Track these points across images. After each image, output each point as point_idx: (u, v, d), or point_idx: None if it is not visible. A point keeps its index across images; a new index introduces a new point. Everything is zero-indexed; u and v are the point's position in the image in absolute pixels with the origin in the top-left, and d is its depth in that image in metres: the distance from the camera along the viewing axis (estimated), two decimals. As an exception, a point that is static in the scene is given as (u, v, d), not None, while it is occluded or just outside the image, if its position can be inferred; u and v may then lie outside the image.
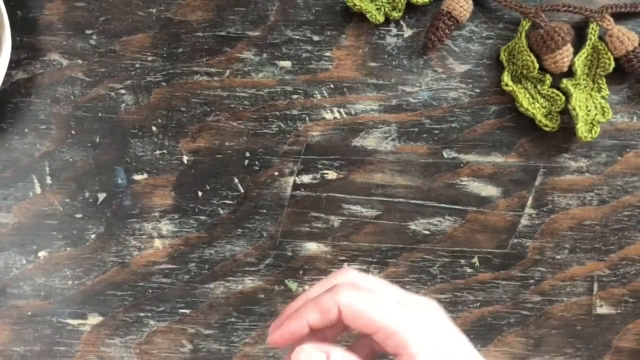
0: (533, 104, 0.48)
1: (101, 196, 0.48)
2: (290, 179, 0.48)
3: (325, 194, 0.49)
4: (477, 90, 0.49)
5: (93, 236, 0.48)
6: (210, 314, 0.49)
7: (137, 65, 0.48)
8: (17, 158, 0.48)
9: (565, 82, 0.47)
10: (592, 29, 0.48)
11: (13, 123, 0.48)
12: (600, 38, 0.48)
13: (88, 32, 0.48)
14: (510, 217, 0.49)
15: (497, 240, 0.49)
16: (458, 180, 0.49)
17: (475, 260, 0.49)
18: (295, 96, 0.48)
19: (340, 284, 0.34)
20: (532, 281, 0.49)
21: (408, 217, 0.49)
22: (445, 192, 0.48)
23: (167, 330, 0.49)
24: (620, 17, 0.48)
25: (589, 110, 0.47)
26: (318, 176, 0.49)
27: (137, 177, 0.48)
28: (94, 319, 0.48)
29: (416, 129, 0.49)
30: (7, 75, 0.47)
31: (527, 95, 0.48)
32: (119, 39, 0.48)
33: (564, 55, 0.47)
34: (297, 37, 0.49)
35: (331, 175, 0.49)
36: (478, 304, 0.49)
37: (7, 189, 0.48)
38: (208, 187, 0.48)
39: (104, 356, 0.48)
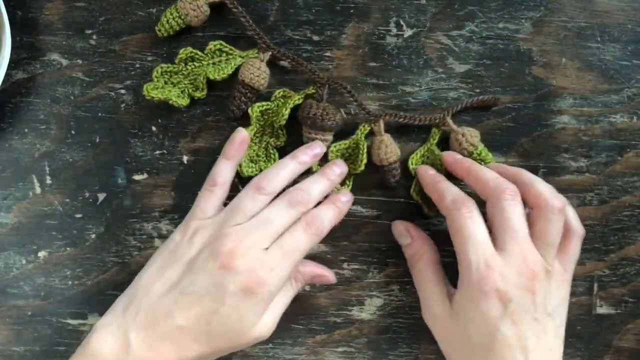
0: (422, 193, 0.47)
1: (101, 196, 0.48)
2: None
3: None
4: (477, 90, 0.49)
5: (93, 236, 0.48)
6: (210, 314, 0.49)
7: (137, 65, 0.48)
8: (17, 158, 0.48)
9: (314, 165, 0.46)
10: (364, 127, 0.47)
11: (13, 123, 0.48)
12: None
13: (88, 32, 0.48)
14: (510, 217, 0.49)
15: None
16: (458, 180, 0.49)
17: (475, 260, 0.49)
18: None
19: (465, 203, 0.43)
20: (532, 281, 0.49)
21: (408, 217, 0.49)
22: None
23: (167, 330, 0.48)
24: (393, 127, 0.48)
25: None
26: (318, 176, 0.49)
27: (137, 177, 0.48)
28: (94, 319, 0.48)
29: (415, 129, 0.49)
30: (7, 75, 0.47)
31: None
32: (119, 39, 0.48)
33: (317, 137, 0.46)
34: (297, 37, 0.48)
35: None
36: (478, 304, 0.49)
37: (7, 189, 0.48)
38: (208, 187, 0.48)
39: (104, 356, 0.48)
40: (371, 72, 0.49)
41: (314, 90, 0.47)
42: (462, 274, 0.42)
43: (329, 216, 0.43)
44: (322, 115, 0.46)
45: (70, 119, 0.48)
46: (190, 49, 0.47)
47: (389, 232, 0.49)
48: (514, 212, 0.41)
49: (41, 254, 0.48)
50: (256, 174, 0.46)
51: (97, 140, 0.48)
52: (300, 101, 0.47)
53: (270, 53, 0.47)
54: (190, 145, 0.48)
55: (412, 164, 0.48)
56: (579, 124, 0.49)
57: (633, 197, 0.49)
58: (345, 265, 0.49)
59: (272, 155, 0.47)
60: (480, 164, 0.47)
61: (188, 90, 0.47)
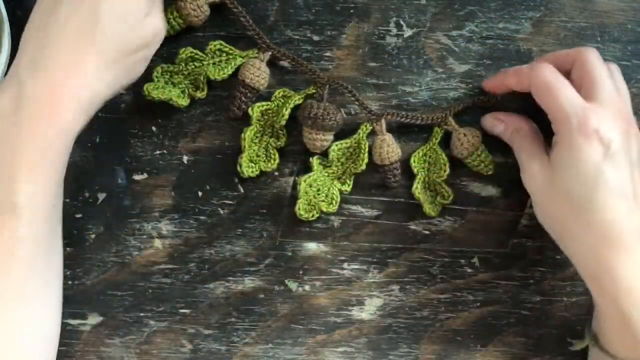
0: (424, 192, 0.48)
1: (101, 196, 0.48)
2: (290, 179, 0.48)
3: (325, 194, 0.49)
4: (477, 90, 0.49)
5: (93, 236, 0.48)
6: (210, 314, 0.49)
7: (137, 65, 0.48)
8: (17, 158, 0.48)
9: (314, 160, 0.47)
10: (365, 127, 0.47)
11: (13, 123, 0.48)
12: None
13: (88, 32, 0.48)
14: (510, 217, 0.49)
15: (497, 240, 0.49)
16: (458, 180, 0.49)
17: (475, 260, 0.49)
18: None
19: (543, 64, 0.43)
20: (532, 281, 0.49)
21: (408, 217, 0.49)
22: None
23: (167, 330, 0.49)
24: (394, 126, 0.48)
25: (319, 193, 0.47)
26: (318, 176, 0.49)
27: (137, 177, 0.48)
28: (94, 319, 0.48)
29: (416, 129, 0.49)
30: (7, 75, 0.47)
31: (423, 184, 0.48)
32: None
33: (318, 137, 0.46)
34: (297, 37, 0.48)
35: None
36: (478, 304, 0.49)
37: (7, 189, 0.48)
38: (208, 187, 0.48)
39: (104, 356, 0.48)
40: (371, 72, 0.49)
41: (314, 90, 0.47)
42: (560, 126, 0.41)
43: None
44: (323, 115, 0.45)
45: (70, 119, 0.48)
46: (190, 49, 0.47)
47: (389, 232, 0.49)
48: (600, 66, 0.42)
49: (41, 254, 0.48)
50: (257, 175, 0.46)
51: (97, 140, 0.48)
52: (301, 101, 0.47)
53: (270, 53, 0.47)
54: (190, 145, 0.48)
55: (414, 163, 0.48)
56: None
57: None
58: (345, 265, 0.49)
59: (272, 156, 0.47)
60: (480, 166, 0.47)
61: (188, 90, 0.47)
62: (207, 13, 0.47)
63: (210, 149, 0.48)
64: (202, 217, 0.48)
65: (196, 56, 0.47)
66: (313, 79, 0.47)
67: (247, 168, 0.46)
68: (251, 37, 0.47)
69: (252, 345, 0.49)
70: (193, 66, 0.47)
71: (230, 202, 0.49)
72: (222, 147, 0.48)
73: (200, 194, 0.48)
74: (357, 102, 0.47)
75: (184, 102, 0.46)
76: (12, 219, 0.37)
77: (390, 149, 0.47)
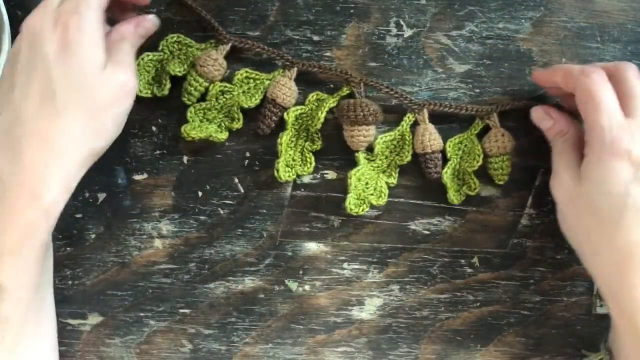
0: (452, 179, 0.48)
1: (101, 196, 0.48)
2: (291, 179, 0.48)
3: (325, 194, 0.49)
4: (477, 90, 0.49)
5: (93, 236, 0.48)
6: (210, 314, 0.49)
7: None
8: (17, 158, 0.48)
9: (360, 154, 0.47)
10: (408, 118, 0.47)
11: (13, 123, 0.48)
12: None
13: (88, 32, 0.48)
14: (510, 217, 0.49)
15: (497, 240, 0.49)
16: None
17: (475, 260, 0.49)
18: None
19: (594, 70, 0.42)
20: (532, 281, 0.49)
21: (408, 217, 0.49)
22: (446, 192, 0.48)
23: (167, 330, 0.49)
24: (442, 116, 0.48)
25: (367, 187, 0.47)
26: (318, 176, 0.49)
27: (137, 177, 0.48)
28: (94, 319, 0.48)
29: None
30: (7, 75, 0.47)
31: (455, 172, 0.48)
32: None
33: (361, 133, 0.46)
34: (297, 37, 0.48)
35: (331, 175, 0.49)
36: (478, 304, 0.49)
37: (7, 189, 0.48)
38: (208, 187, 0.48)
39: (104, 356, 0.48)
40: (371, 72, 0.49)
41: (348, 91, 0.47)
42: (593, 139, 0.41)
43: None
44: (363, 110, 0.46)
45: (70, 119, 0.48)
46: (219, 83, 0.47)
47: (389, 232, 0.49)
48: (636, 83, 0.42)
49: (41, 254, 0.48)
50: (293, 179, 0.47)
51: (97, 140, 0.48)
52: (335, 104, 0.47)
53: (295, 69, 0.47)
54: (190, 145, 0.48)
55: (449, 148, 0.48)
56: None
57: None
58: (345, 265, 0.49)
59: (308, 159, 0.47)
60: (498, 171, 0.47)
61: (224, 124, 0.47)
62: (225, 66, 0.47)
63: (210, 149, 0.48)
64: (202, 217, 0.48)
65: (226, 89, 0.47)
66: (346, 79, 0.47)
67: (284, 172, 0.46)
68: (272, 58, 0.48)
69: (252, 345, 0.49)
70: (224, 99, 0.47)
71: (230, 202, 0.49)
72: (222, 147, 0.48)
73: (200, 194, 0.48)
74: (396, 95, 0.47)
75: (223, 136, 0.47)
76: None
77: (432, 136, 0.47)
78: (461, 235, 0.49)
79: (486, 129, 0.48)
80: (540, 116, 0.46)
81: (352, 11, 0.49)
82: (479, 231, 0.49)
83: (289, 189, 0.49)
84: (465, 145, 0.48)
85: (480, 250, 0.49)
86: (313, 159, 0.47)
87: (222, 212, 0.49)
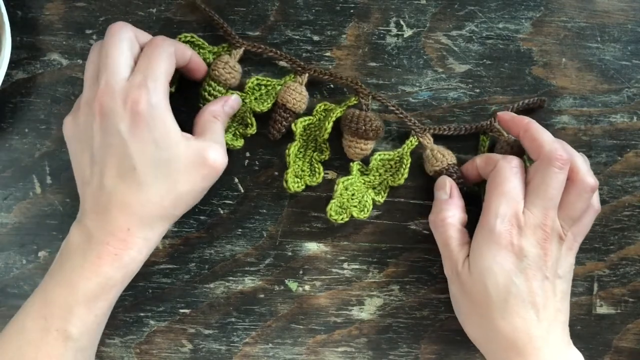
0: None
1: (101, 196, 0.48)
2: (290, 179, 0.48)
3: (325, 194, 0.49)
4: (477, 90, 0.49)
5: (93, 236, 0.48)
6: (210, 314, 0.49)
7: (137, 65, 0.48)
8: (17, 158, 0.48)
9: (354, 165, 0.47)
10: (411, 142, 0.48)
11: (13, 123, 0.48)
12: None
13: (88, 32, 0.48)
14: (510, 217, 0.49)
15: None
16: (458, 180, 0.49)
17: (475, 260, 0.49)
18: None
19: (512, 162, 0.44)
20: (532, 281, 0.49)
21: (408, 217, 0.49)
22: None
23: (167, 330, 0.49)
24: (441, 137, 0.48)
25: (353, 198, 0.46)
26: (318, 176, 0.49)
27: (137, 177, 0.48)
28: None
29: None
30: (7, 75, 0.47)
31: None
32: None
33: (359, 146, 0.46)
34: (297, 37, 0.48)
35: (331, 175, 0.49)
36: (478, 304, 0.49)
37: (7, 189, 0.48)
38: (208, 187, 0.48)
39: (104, 356, 0.48)
40: (371, 72, 0.49)
41: (355, 102, 0.47)
42: (484, 223, 0.43)
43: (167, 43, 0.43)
44: (365, 123, 0.46)
45: (70, 119, 0.48)
46: (230, 91, 0.47)
47: (389, 232, 0.49)
48: (556, 181, 0.42)
49: (41, 254, 0.48)
50: (302, 190, 0.47)
51: (97, 140, 0.48)
52: (342, 114, 0.47)
53: (307, 75, 0.47)
54: (190, 145, 0.48)
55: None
56: (578, 124, 0.49)
57: (633, 197, 0.49)
58: (345, 265, 0.49)
59: (316, 170, 0.47)
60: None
61: (239, 131, 0.47)
62: (240, 71, 0.47)
63: (210, 149, 0.48)
64: (202, 217, 0.48)
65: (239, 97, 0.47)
66: (355, 90, 0.47)
67: (293, 183, 0.46)
68: (285, 63, 0.48)
69: (252, 345, 0.49)
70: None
71: (230, 202, 0.49)
72: (222, 147, 0.48)
73: (200, 194, 0.48)
74: (401, 116, 0.47)
75: (238, 143, 0.47)
76: (62, 347, 0.40)
77: (442, 152, 0.47)
78: (461, 235, 0.49)
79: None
80: (442, 185, 0.46)
81: (352, 11, 0.49)
82: (479, 231, 0.49)
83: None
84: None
85: (480, 250, 0.49)
86: (322, 169, 0.47)
87: (222, 212, 0.49)
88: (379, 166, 0.47)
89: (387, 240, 0.49)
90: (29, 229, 0.48)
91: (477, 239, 0.43)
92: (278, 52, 0.47)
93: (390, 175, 0.48)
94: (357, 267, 0.49)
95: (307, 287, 0.49)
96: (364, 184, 0.47)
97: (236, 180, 0.48)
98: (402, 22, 0.49)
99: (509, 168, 0.43)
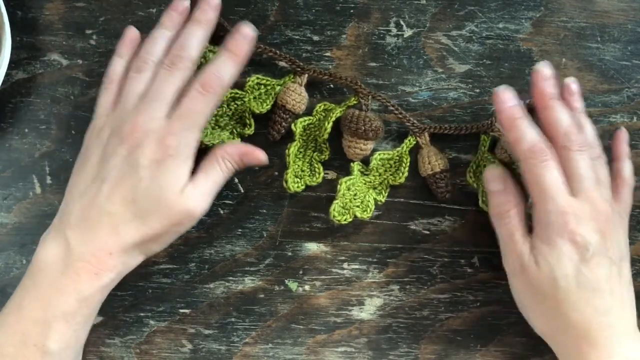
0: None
1: (101, 196, 0.48)
2: (290, 179, 0.48)
3: (325, 194, 0.49)
4: (477, 90, 0.49)
5: (93, 236, 0.48)
6: (210, 314, 0.49)
7: (137, 65, 0.48)
8: (17, 158, 0.48)
9: (355, 165, 0.47)
10: (409, 141, 0.48)
11: (13, 123, 0.48)
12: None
13: (88, 32, 0.49)
14: (510, 217, 0.49)
15: (497, 240, 0.49)
16: (458, 180, 0.49)
17: (475, 260, 0.49)
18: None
19: (542, 152, 0.42)
20: (532, 281, 0.49)
21: (408, 217, 0.49)
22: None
23: (167, 330, 0.49)
24: (441, 137, 0.48)
25: (355, 198, 0.46)
26: (318, 176, 0.49)
27: (137, 177, 0.48)
28: (94, 319, 0.48)
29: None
30: (7, 75, 0.47)
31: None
32: (119, 39, 0.48)
33: (358, 146, 0.46)
34: (297, 37, 0.48)
35: (331, 175, 0.49)
36: (478, 304, 0.49)
37: (7, 189, 0.48)
38: (208, 187, 0.48)
39: (104, 356, 0.48)
40: (371, 72, 0.49)
41: (355, 102, 0.47)
42: (539, 221, 0.42)
43: (226, 69, 0.43)
44: (365, 124, 0.46)
45: (70, 119, 0.48)
46: (229, 90, 0.47)
47: (389, 232, 0.49)
48: (581, 162, 0.42)
49: (41, 254, 0.48)
50: (302, 190, 0.47)
51: (97, 140, 0.48)
52: (341, 114, 0.47)
53: (306, 75, 0.47)
54: (190, 145, 0.48)
55: (471, 179, 0.48)
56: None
57: (633, 197, 0.49)
58: (345, 265, 0.49)
59: (316, 170, 0.47)
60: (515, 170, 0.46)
61: (237, 130, 0.47)
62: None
63: (210, 149, 0.48)
64: (202, 217, 0.48)
65: (237, 95, 0.47)
66: (355, 90, 0.47)
67: (293, 184, 0.46)
68: (284, 63, 0.48)
69: (252, 345, 0.49)
70: (236, 105, 0.47)
71: (230, 202, 0.49)
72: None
73: (200, 194, 0.48)
74: (399, 116, 0.47)
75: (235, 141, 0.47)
76: None
77: (437, 156, 0.47)
78: (461, 235, 0.49)
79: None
80: (493, 177, 0.45)
81: (352, 11, 0.49)
82: (479, 231, 0.49)
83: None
84: (484, 166, 0.47)
85: (480, 250, 0.49)
86: (322, 169, 0.47)
87: (222, 212, 0.49)
88: (378, 166, 0.47)
89: (387, 240, 0.49)
90: (29, 229, 0.48)
91: (538, 234, 0.43)
92: (278, 52, 0.47)
93: (391, 175, 0.48)
94: (357, 267, 0.49)
95: (307, 287, 0.49)
96: (364, 184, 0.47)
97: (236, 180, 0.48)
98: (402, 22, 0.49)
99: (537, 165, 0.42)
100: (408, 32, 0.49)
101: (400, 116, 0.47)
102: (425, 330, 0.49)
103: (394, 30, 0.49)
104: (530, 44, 0.49)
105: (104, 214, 0.41)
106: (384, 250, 0.49)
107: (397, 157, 0.48)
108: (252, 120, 0.47)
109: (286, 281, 0.49)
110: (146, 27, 0.48)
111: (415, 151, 0.48)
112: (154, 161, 0.41)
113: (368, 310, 0.49)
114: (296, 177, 0.47)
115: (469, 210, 0.49)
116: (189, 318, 0.49)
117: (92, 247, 0.41)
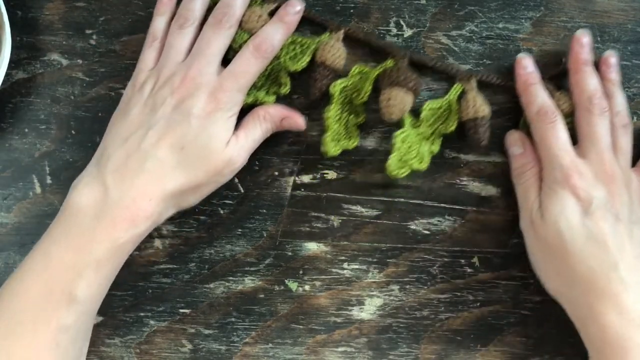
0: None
1: (101, 196, 0.48)
2: (290, 179, 0.49)
3: (325, 194, 0.49)
4: (477, 90, 0.49)
5: (93, 236, 0.48)
6: (210, 314, 0.49)
7: (137, 65, 0.48)
8: (17, 158, 0.48)
9: (407, 117, 0.47)
10: (456, 88, 0.47)
11: (13, 123, 0.48)
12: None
13: (88, 32, 0.49)
14: (510, 217, 0.49)
15: (497, 240, 0.49)
16: (458, 180, 0.49)
17: (475, 260, 0.49)
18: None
19: (552, 113, 0.45)
20: (532, 281, 0.49)
21: (408, 217, 0.49)
22: (445, 192, 0.49)
23: (167, 330, 0.49)
24: (489, 86, 0.48)
25: (410, 150, 0.46)
26: (318, 176, 0.49)
27: (137, 177, 0.48)
28: (94, 319, 0.48)
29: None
30: (7, 75, 0.47)
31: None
32: (119, 39, 0.48)
33: (394, 99, 0.45)
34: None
35: (331, 175, 0.49)
36: (478, 304, 0.49)
37: (7, 189, 0.48)
38: (208, 187, 0.48)
39: (104, 356, 0.48)
40: (371, 72, 0.49)
41: (391, 64, 0.47)
42: (546, 180, 0.44)
43: (277, 35, 0.44)
44: (405, 74, 0.45)
45: (70, 119, 0.48)
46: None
47: (389, 232, 0.49)
48: (599, 126, 0.44)
49: (41, 254, 0.48)
50: (339, 153, 0.47)
51: (97, 140, 0.48)
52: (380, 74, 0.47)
53: (342, 31, 0.47)
54: (190, 145, 0.48)
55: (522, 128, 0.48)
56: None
57: None
58: (345, 265, 0.49)
59: (352, 133, 0.47)
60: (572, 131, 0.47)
61: (272, 89, 0.47)
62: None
63: (210, 149, 0.48)
64: (202, 217, 0.48)
65: None
66: (390, 51, 0.47)
67: (332, 147, 0.46)
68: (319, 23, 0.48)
69: (252, 345, 0.49)
70: (271, 65, 0.47)
71: (230, 202, 0.49)
72: (222, 147, 0.48)
73: (200, 194, 0.48)
74: (442, 67, 0.48)
75: (270, 100, 0.47)
76: (65, 309, 0.40)
77: (480, 102, 0.46)
78: (461, 235, 0.49)
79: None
80: (514, 140, 0.47)
81: (352, 11, 0.49)
82: (479, 231, 0.49)
83: (289, 189, 0.49)
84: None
85: (480, 250, 0.49)
86: (358, 132, 0.47)
87: (222, 212, 0.49)
88: (429, 116, 0.47)
89: (387, 240, 0.49)
90: (29, 229, 0.48)
91: (544, 190, 0.44)
92: (312, 13, 0.47)
93: (442, 124, 0.47)
94: (357, 267, 0.49)
95: (307, 287, 0.49)
96: (417, 136, 0.47)
97: (236, 180, 0.48)
98: (402, 22, 0.49)
99: (544, 125, 0.44)
100: (408, 32, 0.49)
101: (443, 67, 0.47)
102: (425, 330, 0.49)
103: (394, 30, 0.49)
104: (530, 44, 0.49)
105: (149, 160, 0.41)
106: (384, 250, 0.49)
107: (447, 105, 0.47)
108: (288, 79, 0.47)
109: (286, 281, 0.49)
110: (146, 27, 0.48)
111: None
112: (205, 112, 0.42)
113: (368, 310, 0.49)
114: (332, 140, 0.47)
115: (469, 210, 0.49)
116: (189, 318, 0.49)
117: (132, 193, 0.41)
